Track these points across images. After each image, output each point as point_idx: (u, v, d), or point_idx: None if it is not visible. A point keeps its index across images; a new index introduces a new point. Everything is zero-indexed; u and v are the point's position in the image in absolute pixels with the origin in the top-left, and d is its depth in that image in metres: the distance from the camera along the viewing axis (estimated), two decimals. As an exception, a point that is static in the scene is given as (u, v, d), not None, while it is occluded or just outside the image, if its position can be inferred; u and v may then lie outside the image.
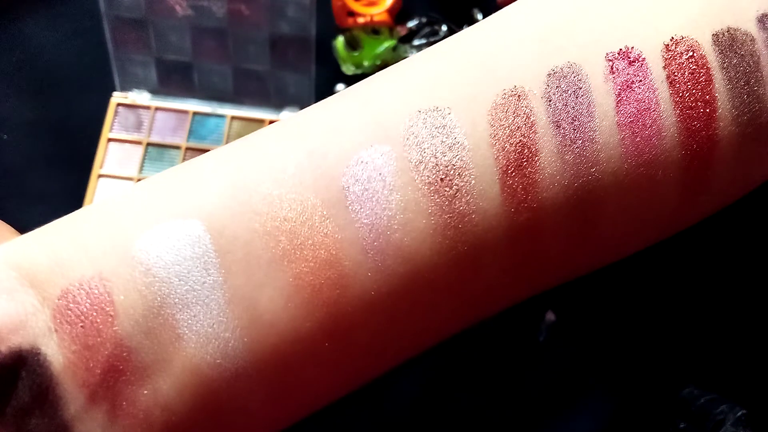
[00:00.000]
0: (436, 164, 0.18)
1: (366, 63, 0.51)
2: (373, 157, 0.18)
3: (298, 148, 0.19)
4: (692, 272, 0.44)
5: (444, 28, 0.53)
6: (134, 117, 0.51)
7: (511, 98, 0.19)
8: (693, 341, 0.43)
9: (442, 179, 0.18)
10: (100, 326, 0.16)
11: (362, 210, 0.18)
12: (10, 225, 0.22)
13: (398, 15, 0.53)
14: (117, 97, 0.51)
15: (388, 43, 0.51)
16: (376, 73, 0.21)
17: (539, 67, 0.19)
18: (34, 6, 0.54)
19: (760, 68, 0.20)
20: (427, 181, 0.18)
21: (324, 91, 0.51)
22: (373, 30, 0.52)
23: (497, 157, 0.18)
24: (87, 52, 0.52)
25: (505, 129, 0.19)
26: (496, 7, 0.53)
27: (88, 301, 0.17)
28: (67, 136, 0.51)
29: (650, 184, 0.19)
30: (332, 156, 0.18)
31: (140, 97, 0.52)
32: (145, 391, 0.17)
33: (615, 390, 0.42)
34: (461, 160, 0.18)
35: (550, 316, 0.44)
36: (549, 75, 0.19)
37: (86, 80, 0.52)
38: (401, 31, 0.53)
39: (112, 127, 0.51)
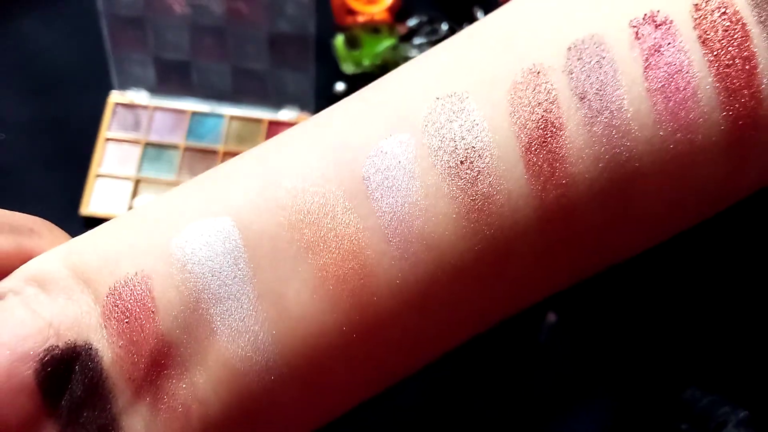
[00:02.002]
0: (455, 148, 0.18)
1: (366, 62, 0.51)
2: (392, 146, 0.18)
3: (320, 143, 0.19)
4: (694, 273, 0.44)
5: (444, 26, 0.52)
6: (132, 116, 0.51)
7: (530, 75, 0.19)
8: (695, 343, 0.42)
9: (461, 162, 0.18)
10: (143, 322, 0.17)
11: (383, 199, 0.18)
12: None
13: (398, 13, 0.53)
14: (115, 96, 0.51)
15: (388, 42, 0.51)
16: (395, 69, 0.21)
17: (558, 43, 0.19)
18: (32, 5, 0.54)
19: None
20: (447, 165, 0.18)
21: (324, 90, 0.51)
22: (373, 28, 0.52)
23: (519, 135, 0.18)
24: (85, 51, 0.52)
25: (525, 106, 0.18)
26: (497, 5, 0.52)
27: (132, 297, 0.17)
28: (65, 136, 0.51)
29: (691, 149, 0.19)
30: (353, 148, 0.19)
31: (138, 96, 0.51)
32: (183, 386, 0.17)
33: (617, 391, 0.42)
34: (481, 142, 0.18)
35: (551, 317, 0.44)
36: (569, 49, 0.19)
37: (84, 79, 0.52)
38: (401, 29, 0.52)
39: (110, 126, 0.50)
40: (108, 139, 0.50)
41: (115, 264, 0.18)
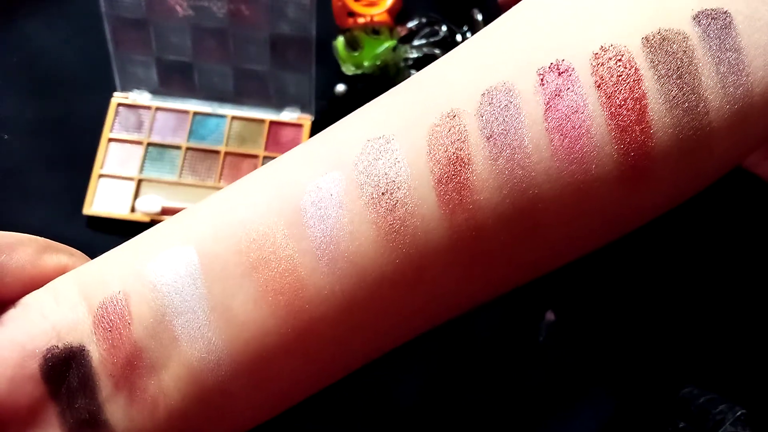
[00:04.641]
0: (378, 182, 0.21)
1: (366, 63, 0.51)
2: (327, 182, 0.22)
3: (269, 181, 0.23)
4: (692, 273, 0.44)
5: (444, 28, 0.53)
6: (135, 117, 0.52)
7: (447, 119, 0.22)
8: (692, 341, 0.43)
9: (383, 193, 0.21)
10: (122, 330, 0.21)
11: (316, 226, 0.21)
12: (11, 224, 0.25)
13: (398, 15, 0.53)
14: (118, 97, 0.52)
15: (388, 44, 0.51)
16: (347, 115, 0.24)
17: (474, 89, 0.22)
18: (35, 6, 0.54)
19: (694, 62, 0.21)
20: (370, 196, 0.21)
21: (324, 91, 0.51)
22: (373, 30, 0.52)
23: (433, 169, 0.21)
24: (88, 52, 0.53)
25: (441, 146, 0.21)
26: (496, 6, 0.53)
27: (114, 311, 0.21)
28: (67, 136, 0.51)
29: (586, 177, 0.21)
30: (294, 184, 0.22)
31: (141, 97, 0.52)
32: (152, 382, 0.21)
33: (615, 389, 0.43)
34: (400, 176, 0.21)
35: (550, 316, 0.44)
36: (483, 95, 0.22)
37: (87, 80, 0.52)
38: (401, 31, 0.53)
39: (113, 127, 0.51)
40: (111, 140, 0.51)
41: (105, 284, 0.22)
